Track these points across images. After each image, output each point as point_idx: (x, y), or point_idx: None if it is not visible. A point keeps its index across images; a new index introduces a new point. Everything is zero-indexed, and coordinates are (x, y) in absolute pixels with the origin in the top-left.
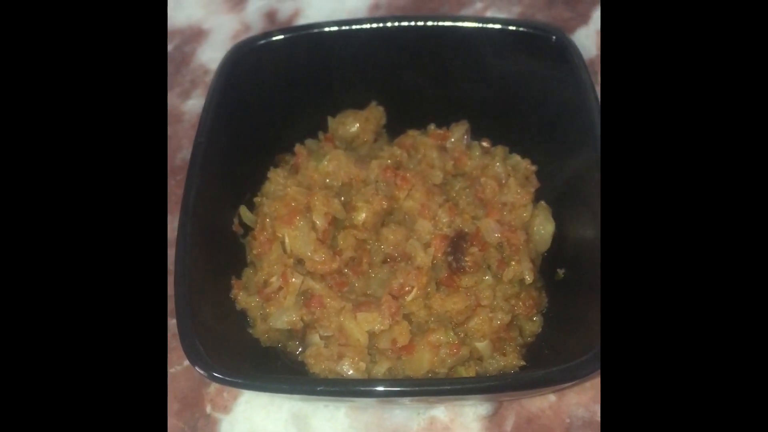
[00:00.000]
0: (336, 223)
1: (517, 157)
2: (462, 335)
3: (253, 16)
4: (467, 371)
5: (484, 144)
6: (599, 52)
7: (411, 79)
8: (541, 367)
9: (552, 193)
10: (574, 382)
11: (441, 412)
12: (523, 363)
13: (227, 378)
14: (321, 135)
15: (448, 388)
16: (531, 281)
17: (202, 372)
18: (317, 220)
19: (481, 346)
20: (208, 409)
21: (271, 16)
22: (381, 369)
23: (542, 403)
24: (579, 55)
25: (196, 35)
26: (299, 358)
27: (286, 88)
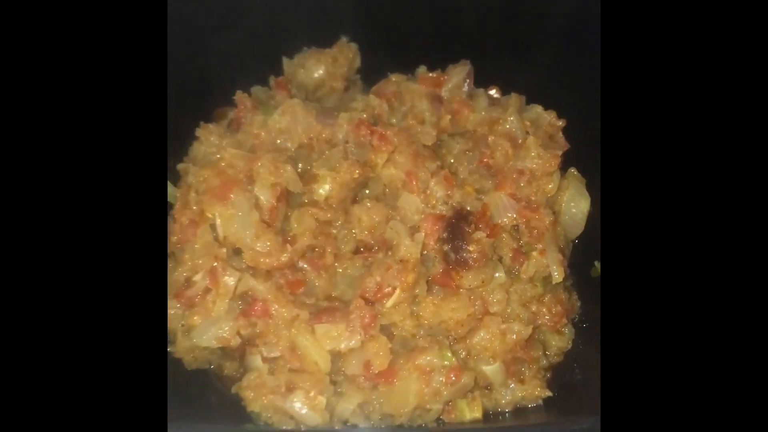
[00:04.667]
0: (288, 199)
1: (537, 109)
2: (464, 355)
3: None
4: (471, 407)
5: (493, 92)
6: None
7: (394, 7)
8: (572, 399)
9: (586, 157)
10: None
11: None
12: (548, 393)
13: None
14: (272, 80)
15: None
16: (561, 279)
17: None
18: (262, 195)
19: (490, 370)
20: None
21: None
22: (349, 406)
23: None
24: None
25: None
26: (234, 389)
27: (226, 17)
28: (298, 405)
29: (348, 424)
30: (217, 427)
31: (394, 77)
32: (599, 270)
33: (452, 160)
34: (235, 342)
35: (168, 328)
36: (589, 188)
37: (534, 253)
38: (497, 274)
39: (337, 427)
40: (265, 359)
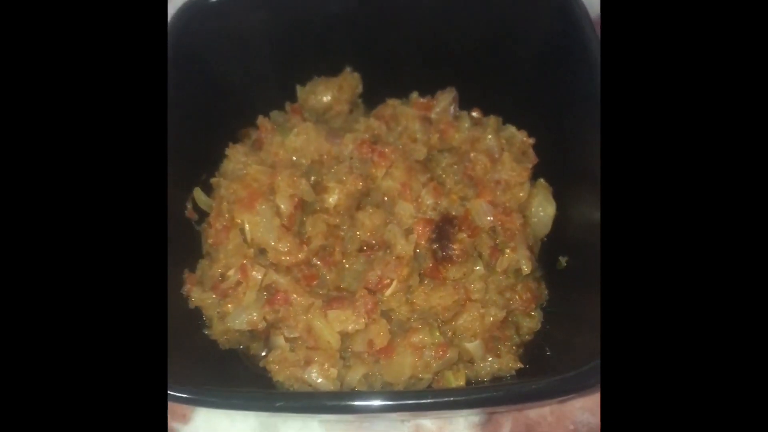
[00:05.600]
0: (304, 207)
1: (512, 129)
2: (450, 334)
3: None
4: (456, 376)
5: (475, 114)
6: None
7: (391, 41)
8: (540, 370)
9: (553, 169)
10: (577, 394)
11: (428, 420)
12: (520, 365)
13: (173, 393)
14: (288, 106)
15: (432, 402)
16: (529, 271)
17: None
18: (282, 204)
19: (472, 346)
20: None
21: None
22: (355, 376)
23: (542, 408)
24: (583, 10)
25: None
26: (261, 364)
27: (248, 53)
28: (315, 375)
29: (355, 390)
30: (251, 390)
31: (390, 102)
32: (563, 264)
33: (440, 173)
34: (262, 325)
35: (205, 315)
36: (555, 196)
37: (507, 250)
38: (477, 268)
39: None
40: (286, 339)
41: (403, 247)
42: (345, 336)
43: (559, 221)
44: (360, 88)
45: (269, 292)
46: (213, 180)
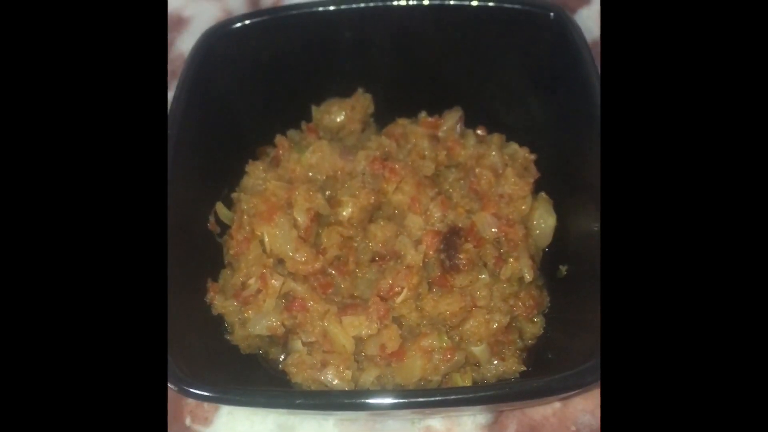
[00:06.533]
0: (319, 220)
1: (514, 146)
2: (457, 339)
3: (236, 3)
4: (463, 378)
5: (479, 132)
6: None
7: (400, 64)
8: (543, 372)
9: (553, 183)
10: (578, 391)
11: (437, 421)
12: (523, 368)
13: (199, 392)
14: (304, 125)
15: (441, 399)
16: (531, 279)
17: (172, 387)
18: (299, 217)
19: (478, 350)
20: (188, 421)
21: (254, 2)
22: (369, 377)
23: (546, 410)
24: (580, 33)
25: (175, 23)
26: (281, 367)
27: (266, 76)
28: (331, 377)
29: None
30: (272, 389)
31: (400, 121)
32: (563, 272)
33: (447, 187)
34: (281, 331)
35: (227, 321)
36: (556, 208)
37: (511, 260)
38: (482, 276)
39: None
40: (304, 343)
41: (412, 257)
42: (359, 340)
43: (559, 232)
44: (371, 108)
45: (287, 300)
46: (234, 195)
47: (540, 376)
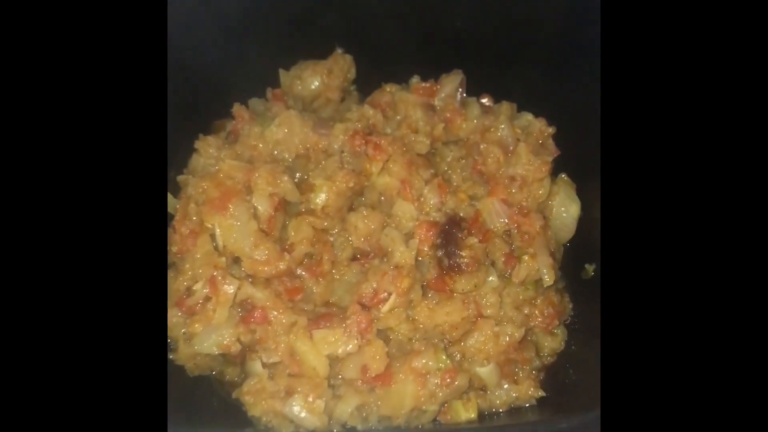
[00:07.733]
0: (286, 208)
1: (528, 116)
2: (458, 358)
3: None
4: (466, 407)
5: (485, 101)
6: None
7: (388, 19)
8: (565, 399)
9: (576, 163)
10: None
11: None
12: (541, 393)
13: None
14: (269, 93)
15: None
16: (551, 282)
17: None
18: (260, 205)
19: (485, 371)
20: None
21: None
22: (347, 408)
23: None
24: None
25: None
26: (235, 395)
27: (224, 34)
28: (297, 409)
29: (346, 426)
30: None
31: (388, 87)
32: (590, 272)
33: (446, 168)
34: (236, 348)
35: (169, 336)
36: (579, 193)
37: (525, 257)
38: (490, 278)
39: (335, 430)
40: (264, 365)
41: (402, 254)
42: (334, 361)
43: (584, 223)
44: (353, 73)
45: (244, 309)
46: (179, 177)
47: (561, 403)
